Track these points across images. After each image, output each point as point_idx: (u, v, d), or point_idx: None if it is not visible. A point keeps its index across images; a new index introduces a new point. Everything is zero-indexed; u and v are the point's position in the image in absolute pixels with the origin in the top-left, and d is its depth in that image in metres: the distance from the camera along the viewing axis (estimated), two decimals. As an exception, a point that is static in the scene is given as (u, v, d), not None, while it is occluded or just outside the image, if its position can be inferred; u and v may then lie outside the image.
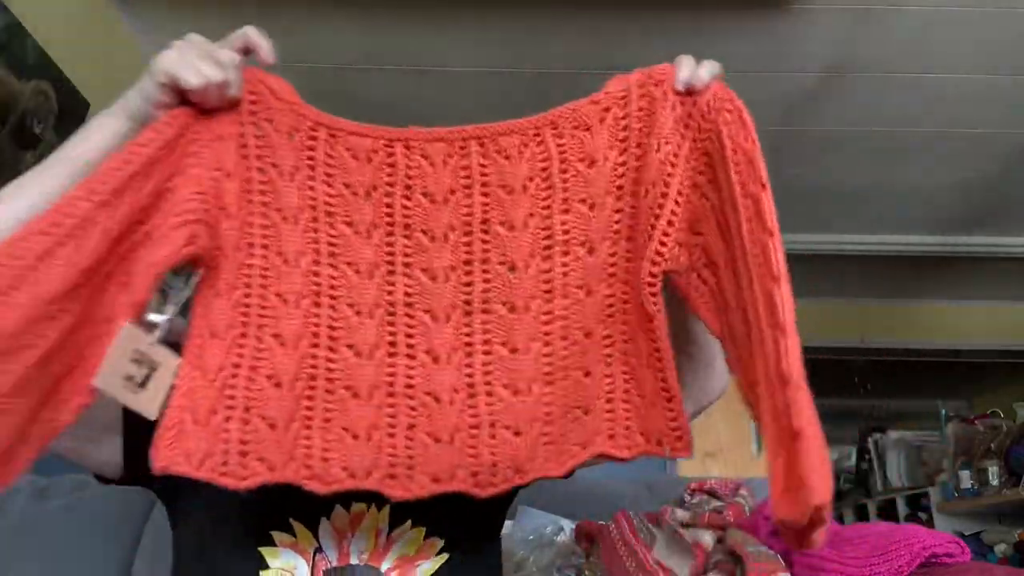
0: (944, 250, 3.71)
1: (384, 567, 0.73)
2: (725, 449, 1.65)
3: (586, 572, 1.00)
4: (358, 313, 0.64)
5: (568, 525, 1.20)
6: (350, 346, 0.63)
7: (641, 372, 0.62)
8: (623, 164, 0.65)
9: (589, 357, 0.63)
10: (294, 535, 0.72)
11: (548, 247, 0.64)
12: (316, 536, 0.73)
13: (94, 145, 0.66)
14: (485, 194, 0.66)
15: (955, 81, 2.48)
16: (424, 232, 0.66)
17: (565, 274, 0.64)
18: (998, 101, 2.58)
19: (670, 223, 0.61)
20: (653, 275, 0.61)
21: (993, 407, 3.68)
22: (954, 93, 2.54)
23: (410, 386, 0.62)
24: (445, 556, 0.75)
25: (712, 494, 1.13)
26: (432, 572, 0.74)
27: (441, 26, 2.30)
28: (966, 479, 3.20)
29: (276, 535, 0.72)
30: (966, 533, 3.21)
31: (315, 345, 0.63)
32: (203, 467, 0.58)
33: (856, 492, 4.38)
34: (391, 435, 0.62)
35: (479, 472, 0.61)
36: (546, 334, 0.63)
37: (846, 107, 2.62)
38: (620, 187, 0.64)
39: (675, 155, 0.63)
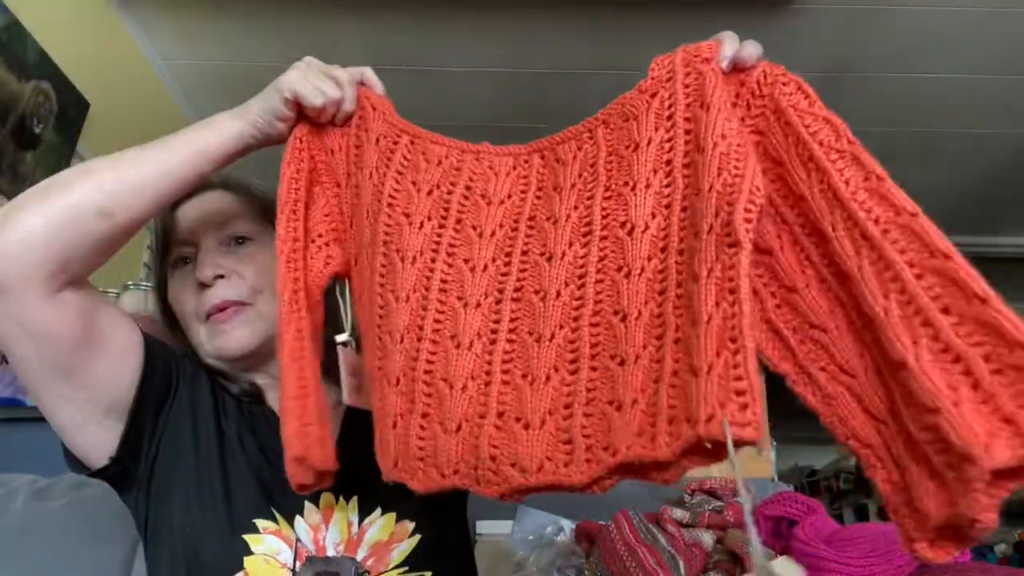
0: (944, 250, 3.71)
1: (360, 555, 0.74)
2: (725, 449, 1.64)
3: (586, 572, 1.00)
4: (396, 299, 0.65)
5: (568, 525, 1.20)
6: (389, 333, 0.65)
7: (698, 344, 0.52)
8: (670, 140, 0.62)
9: (626, 344, 0.56)
10: (277, 523, 0.75)
11: (587, 233, 0.62)
12: (294, 531, 0.75)
13: (215, 138, 0.70)
14: (538, 196, 0.67)
15: (955, 81, 2.48)
16: (474, 228, 0.67)
17: (602, 258, 0.61)
18: (998, 101, 2.58)
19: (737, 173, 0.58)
20: (751, 204, 0.56)
21: (993, 407, 3.68)
22: (954, 93, 2.54)
23: (429, 371, 0.62)
24: (417, 537, 0.78)
25: (712, 494, 1.12)
26: (407, 553, 0.76)
27: (441, 26, 2.30)
28: (966, 479, 3.20)
29: (260, 523, 0.74)
30: (966, 533, 3.21)
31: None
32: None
33: (856, 492, 4.38)
34: (407, 423, 0.62)
35: (478, 466, 0.58)
36: (575, 319, 0.60)
37: (846, 107, 2.61)
38: (668, 162, 0.61)
39: (730, 121, 0.61)
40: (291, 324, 0.63)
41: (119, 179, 0.65)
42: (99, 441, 0.73)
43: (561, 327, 0.60)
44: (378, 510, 0.78)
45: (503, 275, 0.64)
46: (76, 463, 0.75)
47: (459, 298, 0.64)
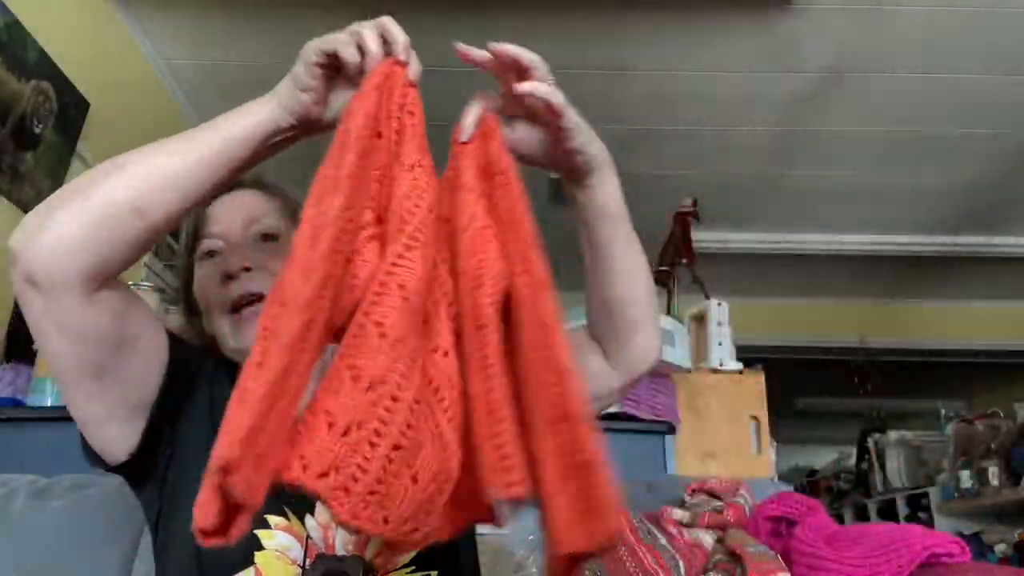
0: (944, 250, 3.71)
1: (368, 555, 0.74)
2: (725, 449, 1.64)
3: (586, 572, 1.00)
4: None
5: (568, 525, 1.19)
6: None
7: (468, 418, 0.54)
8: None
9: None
10: (288, 520, 0.75)
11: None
12: (305, 528, 0.75)
13: (245, 123, 0.67)
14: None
15: (955, 81, 2.48)
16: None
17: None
18: (998, 101, 2.58)
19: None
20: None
21: (993, 407, 3.67)
22: (954, 93, 2.54)
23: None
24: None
25: (712, 494, 1.12)
26: (414, 553, 0.76)
27: (441, 26, 2.30)
28: (966, 479, 3.20)
29: (271, 519, 0.74)
30: (966, 533, 3.21)
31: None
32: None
33: (856, 492, 4.38)
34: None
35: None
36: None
37: (846, 107, 2.62)
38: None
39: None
40: (309, 310, 0.51)
41: (150, 173, 0.62)
42: (121, 437, 0.73)
43: None
44: None
45: None
46: (94, 457, 0.75)
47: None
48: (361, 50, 0.68)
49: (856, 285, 4.25)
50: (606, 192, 0.71)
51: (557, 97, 0.71)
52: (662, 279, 2.01)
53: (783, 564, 0.90)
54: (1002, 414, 3.42)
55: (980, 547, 3.19)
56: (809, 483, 5.13)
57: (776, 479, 1.76)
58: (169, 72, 2.48)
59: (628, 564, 0.95)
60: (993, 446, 3.15)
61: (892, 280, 4.18)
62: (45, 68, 1.80)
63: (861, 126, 2.74)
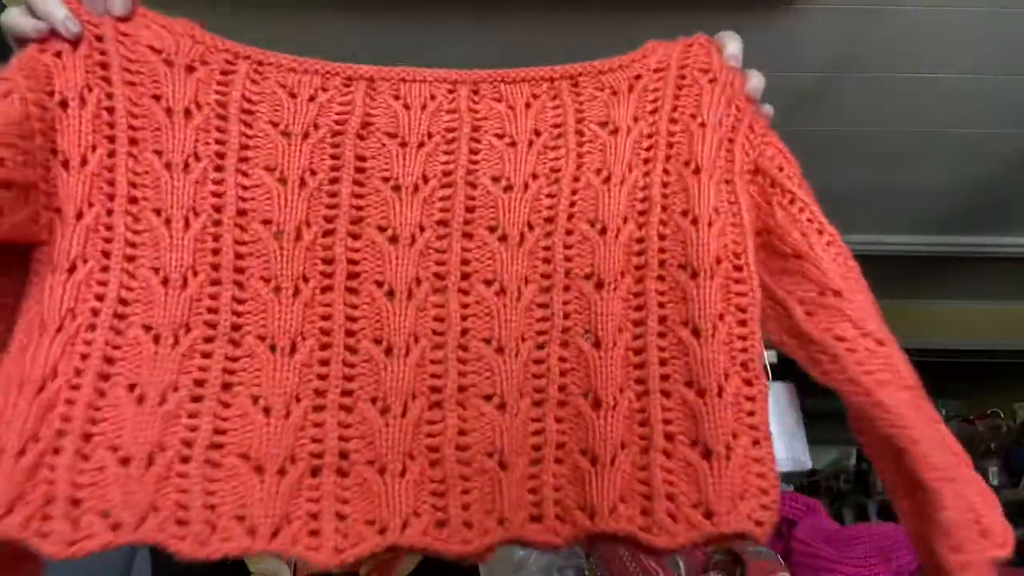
0: (944, 250, 3.71)
1: (364, 570, 0.72)
2: (725, 449, 1.64)
3: (586, 572, 1.00)
4: (276, 290, 0.46)
5: (568, 525, 1.19)
6: (261, 338, 0.46)
7: (706, 417, 0.44)
8: (651, 137, 0.53)
9: (599, 378, 0.46)
10: None
11: (550, 219, 0.49)
12: None
13: None
14: (475, 141, 0.50)
15: (955, 81, 2.48)
16: (386, 180, 0.49)
17: (568, 258, 0.49)
18: (998, 101, 2.58)
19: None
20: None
21: (993, 407, 3.67)
22: (954, 93, 2.54)
23: (348, 392, 0.46)
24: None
25: (712, 494, 1.13)
26: (412, 568, 0.74)
27: (441, 26, 2.30)
28: (966, 479, 3.20)
29: None
30: (966, 533, 3.22)
31: (210, 340, 0.45)
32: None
33: (856, 492, 4.38)
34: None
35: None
36: (540, 333, 0.48)
37: (846, 107, 2.62)
38: (648, 161, 0.52)
39: (727, 143, 0.54)
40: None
41: None
42: None
43: (524, 339, 0.47)
44: None
45: (440, 252, 0.48)
46: None
47: (378, 283, 0.47)
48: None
49: (856, 285, 4.24)
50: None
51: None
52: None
53: (783, 564, 0.90)
54: (1002, 414, 3.43)
55: (980, 547, 3.20)
56: (809, 483, 5.14)
57: (776, 479, 1.75)
58: (169, 72, 2.48)
59: (628, 564, 0.95)
60: (993, 446, 3.15)
61: (892, 280, 4.18)
62: (45, 68, 1.80)
63: (861, 126, 2.74)
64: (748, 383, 0.46)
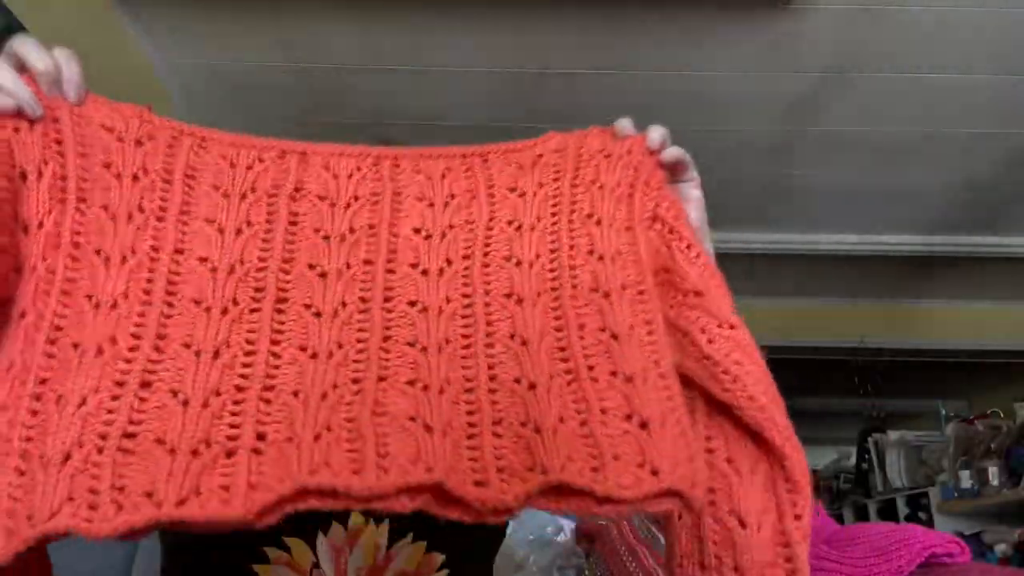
0: (944, 250, 3.71)
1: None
2: (725, 449, 1.64)
3: (586, 572, 1.00)
4: (207, 309, 0.51)
5: (568, 525, 1.20)
6: (186, 345, 0.50)
7: (619, 382, 0.51)
8: (556, 197, 0.61)
9: (532, 368, 0.52)
10: (289, 552, 0.70)
11: (467, 256, 0.56)
12: (314, 551, 0.70)
13: None
14: (397, 202, 0.57)
15: (955, 81, 2.48)
16: (316, 231, 0.55)
17: (487, 283, 0.55)
18: (998, 101, 2.58)
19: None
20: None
21: (993, 407, 3.67)
22: (954, 93, 2.54)
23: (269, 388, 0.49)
24: (445, 572, 0.73)
25: (712, 494, 1.13)
26: None
27: (441, 26, 2.30)
28: (966, 479, 3.20)
29: (270, 551, 0.70)
30: (966, 533, 3.21)
31: (134, 348, 0.49)
32: None
33: (856, 492, 4.38)
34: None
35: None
36: (465, 336, 0.53)
37: (846, 107, 2.62)
38: (555, 214, 0.60)
39: (623, 203, 0.62)
40: None
41: None
42: None
43: (448, 341, 0.52)
44: (409, 536, 0.73)
45: (365, 282, 0.54)
46: None
47: (307, 306, 0.52)
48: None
49: (856, 285, 4.25)
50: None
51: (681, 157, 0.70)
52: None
53: (783, 564, 0.90)
54: (1002, 414, 3.43)
55: (980, 547, 3.19)
56: (809, 483, 5.13)
57: (776, 479, 1.76)
58: (169, 72, 2.48)
59: (628, 564, 0.95)
60: (993, 446, 3.15)
61: (892, 280, 4.18)
62: (45, 68, 1.81)
63: (861, 126, 2.74)
64: (663, 377, 0.52)
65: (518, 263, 0.56)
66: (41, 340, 0.47)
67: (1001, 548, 3.14)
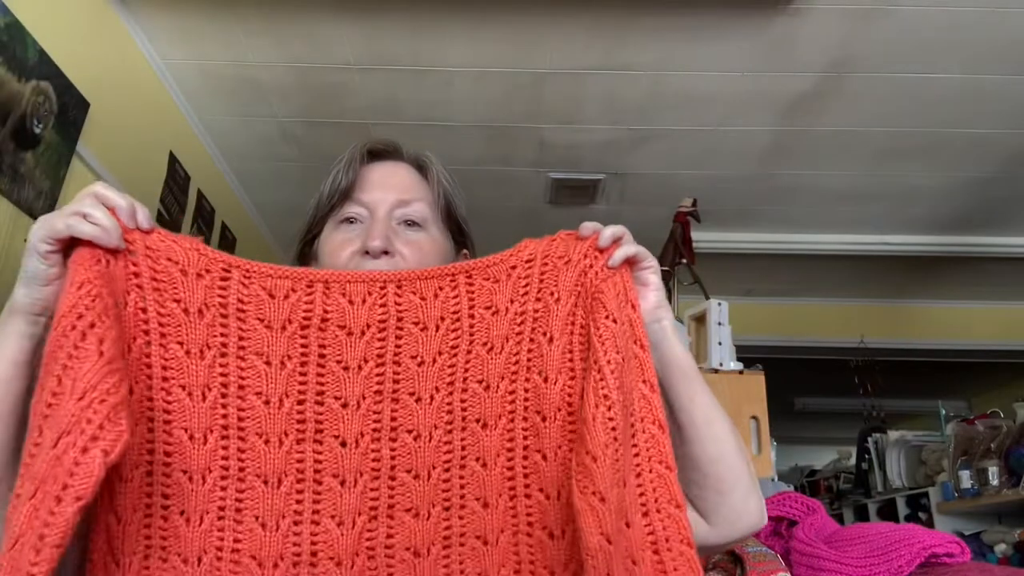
0: (944, 250, 3.71)
1: None
2: (725, 449, 1.64)
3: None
4: (267, 442, 0.65)
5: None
6: (258, 475, 0.64)
7: (542, 498, 0.66)
8: (522, 314, 0.71)
9: (487, 489, 0.67)
10: None
11: (451, 382, 0.69)
12: None
13: (5, 357, 0.62)
14: (399, 328, 0.69)
15: (955, 81, 2.48)
16: (338, 362, 0.67)
17: (464, 408, 0.68)
18: (998, 101, 2.58)
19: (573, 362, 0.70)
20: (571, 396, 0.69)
21: (993, 407, 3.67)
22: (954, 93, 2.54)
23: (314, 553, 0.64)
24: None
25: (712, 494, 1.12)
26: None
27: (440, 26, 2.30)
28: (966, 479, 3.20)
29: None
30: (966, 533, 3.21)
31: (224, 478, 0.64)
32: None
33: (856, 492, 4.38)
34: None
35: None
36: (446, 462, 0.68)
37: (846, 107, 2.62)
38: (520, 333, 0.71)
39: (572, 309, 0.71)
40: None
41: None
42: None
43: (434, 467, 0.66)
44: None
45: (376, 413, 0.67)
46: None
47: (336, 436, 0.66)
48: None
49: (856, 285, 4.25)
50: (673, 347, 0.74)
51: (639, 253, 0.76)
52: (662, 279, 2.00)
53: (783, 564, 0.90)
54: (1002, 414, 3.43)
55: (980, 547, 3.19)
56: (809, 483, 5.13)
57: (776, 479, 1.76)
58: (169, 72, 2.49)
59: (628, 564, 0.95)
60: (993, 446, 3.15)
61: (892, 280, 4.18)
62: (45, 68, 1.80)
63: (861, 126, 2.74)
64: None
65: (487, 387, 0.68)
66: (158, 461, 0.62)
67: (1001, 548, 3.14)
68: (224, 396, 0.65)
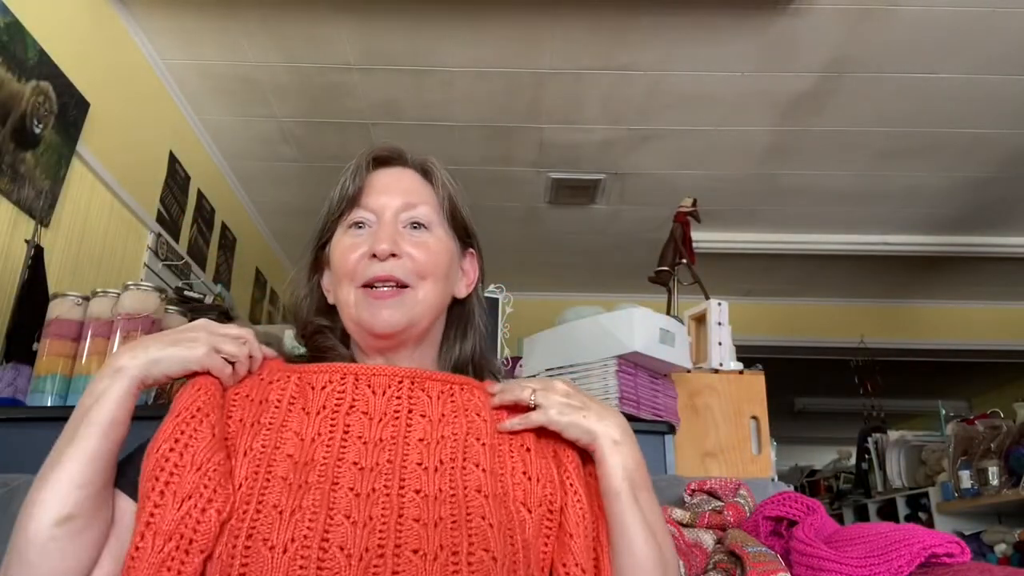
0: (944, 250, 3.71)
1: None
2: (725, 449, 1.64)
3: (586, 572, 1.00)
4: (289, 485, 0.73)
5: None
6: (275, 507, 0.70)
7: None
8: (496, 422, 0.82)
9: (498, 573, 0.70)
10: None
11: (452, 459, 0.77)
12: None
13: (112, 407, 0.72)
14: (410, 419, 0.79)
15: (954, 81, 2.48)
16: (359, 438, 0.77)
17: (465, 480, 0.76)
18: (997, 101, 2.58)
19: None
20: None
21: (993, 407, 3.67)
22: (953, 93, 2.54)
23: None
24: None
25: (712, 494, 1.12)
26: None
27: (440, 26, 2.30)
28: (966, 479, 3.20)
29: None
30: (966, 533, 3.22)
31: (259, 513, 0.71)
32: None
33: (856, 492, 4.38)
34: None
35: None
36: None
37: (846, 107, 2.62)
38: (499, 436, 0.80)
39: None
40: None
41: (57, 486, 0.68)
42: None
43: (441, 519, 0.72)
44: None
45: (387, 476, 0.74)
46: None
47: (351, 488, 0.73)
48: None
49: (856, 285, 4.25)
50: (605, 470, 0.77)
51: (531, 421, 0.80)
52: (662, 279, 2.00)
53: (783, 564, 0.90)
54: (1002, 414, 3.43)
55: (980, 547, 3.19)
56: (809, 483, 5.13)
57: (776, 479, 1.76)
58: (169, 72, 2.49)
59: (628, 564, 0.95)
60: (993, 446, 3.15)
61: (892, 280, 4.18)
62: (45, 68, 1.80)
63: (861, 126, 2.74)
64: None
65: (483, 470, 0.77)
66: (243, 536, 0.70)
67: (1001, 548, 3.14)
68: (262, 454, 0.75)
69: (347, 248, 0.84)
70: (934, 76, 2.46)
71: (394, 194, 0.86)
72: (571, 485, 0.78)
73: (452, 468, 0.76)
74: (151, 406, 1.35)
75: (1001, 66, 2.40)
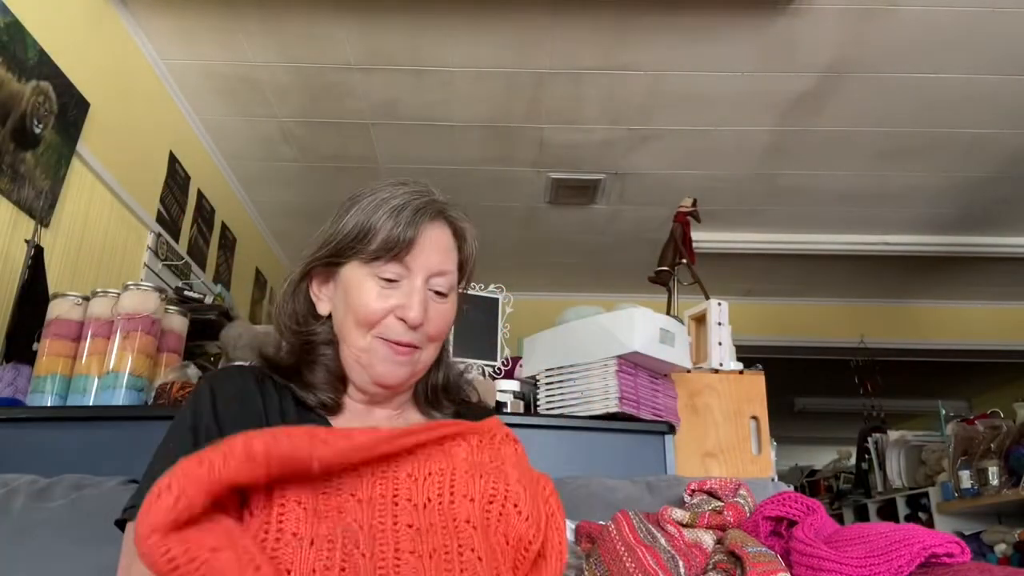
0: (944, 250, 3.71)
1: None
2: (725, 449, 1.64)
3: (586, 572, 1.00)
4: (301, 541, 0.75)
5: (568, 525, 1.19)
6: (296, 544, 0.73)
7: None
8: (484, 461, 0.85)
9: None
10: None
11: (440, 495, 0.80)
12: None
13: None
14: (395, 479, 0.81)
15: (954, 82, 2.48)
16: (357, 500, 0.79)
17: (460, 546, 0.77)
18: (997, 101, 2.58)
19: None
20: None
21: (993, 407, 3.67)
22: (953, 93, 2.54)
23: None
24: None
25: (712, 494, 1.12)
26: None
27: (440, 26, 2.30)
28: (966, 479, 3.20)
29: None
30: (966, 533, 3.22)
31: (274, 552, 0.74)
32: None
33: (856, 492, 4.38)
34: None
35: None
36: None
37: (846, 107, 2.62)
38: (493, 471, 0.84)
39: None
40: None
41: None
42: None
43: (436, 551, 0.75)
44: None
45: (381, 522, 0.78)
46: None
47: (354, 520, 0.77)
48: None
49: (856, 285, 4.25)
50: None
51: None
52: (662, 279, 2.00)
53: (783, 564, 0.90)
54: (1002, 414, 3.43)
55: (980, 547, 3.19)
56: (809, 483, 5.13)
57: (776, 479, 1.76)
58: (169, 72, 2.49)
59: (628, 564, 0.95)
60: (993, 446, 3.15)
61: (892, 280, 4.18)
62: (45, 68, 1.80)
63: (861, 126, 2.74)
64: None
65: (472, 500, 0.80)
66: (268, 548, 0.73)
67: (1001, 548, 3.14)
68: (265, 536, 0.76)
69: (375, 298, 0.83)
70: (934, 76, 2.46)
71: (431, 256, 0.86)
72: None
73: (439, 504, 0.79)
74: (151, 406, 1.35)
75: (1001, 66, 2.40)
